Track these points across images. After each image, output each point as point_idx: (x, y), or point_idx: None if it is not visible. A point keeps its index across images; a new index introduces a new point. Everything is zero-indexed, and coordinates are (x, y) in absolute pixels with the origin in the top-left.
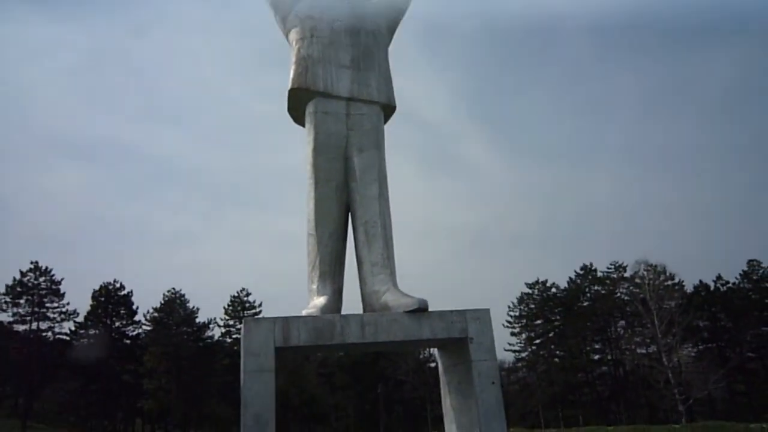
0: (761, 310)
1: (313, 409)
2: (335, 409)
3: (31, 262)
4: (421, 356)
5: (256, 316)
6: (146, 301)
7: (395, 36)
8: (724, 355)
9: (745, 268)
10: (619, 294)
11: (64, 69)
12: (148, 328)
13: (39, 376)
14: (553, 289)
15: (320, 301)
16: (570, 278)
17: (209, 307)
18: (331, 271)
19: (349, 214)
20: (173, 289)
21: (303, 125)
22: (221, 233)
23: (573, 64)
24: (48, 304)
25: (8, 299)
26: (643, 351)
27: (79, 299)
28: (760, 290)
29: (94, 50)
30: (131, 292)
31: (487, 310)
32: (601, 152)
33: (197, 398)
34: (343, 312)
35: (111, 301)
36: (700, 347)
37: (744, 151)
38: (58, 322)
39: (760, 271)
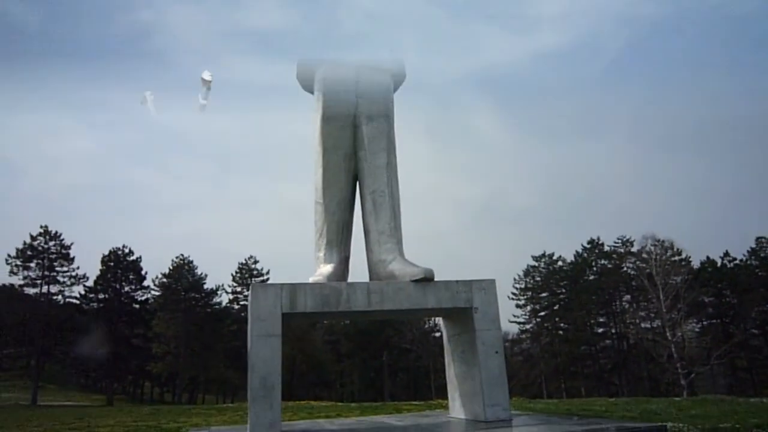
0: (767, 288)
1: (319, 375)
2: (340, 375)
3: (41, 227)
4: (426, 326)
5: (263, 282)
6: (155, 266)
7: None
8: (728, 331)
9: (753, 246)
10: (625, 268)
11: (73, 35)
12: (157, 293)
13: (50, 339)
14: (560, 263)
15: (327, 268)
16: (577, 252)
17: (217, 274)
18: (338, 240)
19: (357, 182)
20: (181, 255)
21: (312, 93)
22: (229, 200)
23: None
24: (58, 268)
25: (19, 262)
26: (648, 325)
27: (88, 264)
28: None
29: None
30: (140, 257)
31: (493, 281)
32: (611, 127)
33: (205, 362)
34: (350, 280)
35: (120, 266)
36: (704, 323)
37: (757, 127)
38: (68, 286)
39: None
